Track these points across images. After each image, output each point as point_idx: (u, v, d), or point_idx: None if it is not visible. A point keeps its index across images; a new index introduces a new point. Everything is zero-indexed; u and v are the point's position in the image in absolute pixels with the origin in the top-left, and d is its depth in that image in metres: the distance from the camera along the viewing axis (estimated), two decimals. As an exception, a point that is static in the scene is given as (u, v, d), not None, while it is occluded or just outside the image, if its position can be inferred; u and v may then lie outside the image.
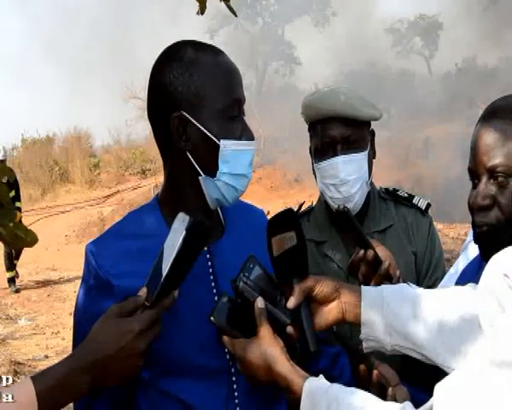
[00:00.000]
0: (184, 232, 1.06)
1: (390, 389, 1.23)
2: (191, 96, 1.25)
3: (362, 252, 1.46)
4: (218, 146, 1.23)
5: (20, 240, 1.56)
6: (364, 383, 1.27)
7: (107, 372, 1.08)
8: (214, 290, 1.27)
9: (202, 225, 1.10)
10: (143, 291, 1.10)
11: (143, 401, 1.25)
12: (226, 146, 1.24)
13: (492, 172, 1.12)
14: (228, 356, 1.26)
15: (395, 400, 1.22)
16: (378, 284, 1.43)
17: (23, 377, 5.48)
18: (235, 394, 1.26)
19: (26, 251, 8.00)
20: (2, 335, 7.03)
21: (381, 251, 1.49)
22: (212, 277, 1.28)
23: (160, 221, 1.31)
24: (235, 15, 1.91)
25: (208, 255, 1.29)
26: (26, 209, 14.02)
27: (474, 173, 1.17)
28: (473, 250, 1.82)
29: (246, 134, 1.26)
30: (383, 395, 1.23)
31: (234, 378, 1.26)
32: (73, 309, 1.34)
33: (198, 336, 1.23)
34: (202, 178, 1.26)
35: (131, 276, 1.22)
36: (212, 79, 1.25)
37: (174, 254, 1.06)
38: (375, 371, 1.24)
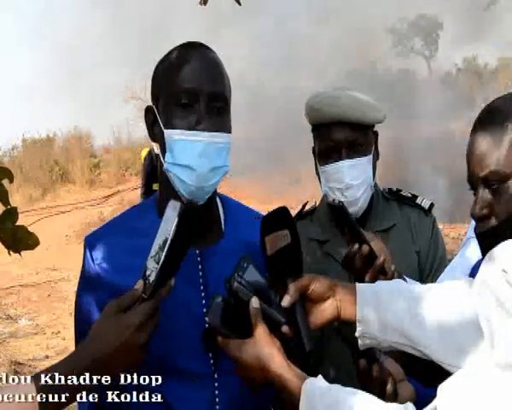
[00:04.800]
0: (177, 219, 1.06)
1: (389, 386, 1.22)
2: (156, 89, 1.31)
3: (357, 246, 1.46)
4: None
5: (22, 242, 1.55)
6: (365, 379, 1.26)
7: (110, 369, 1.08)
8: (203, 294, 1.28)
9: (194, 209, 1.11)
10: (140, 284, 1.10)
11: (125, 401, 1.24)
12: (170, 134, 1.24)
13: (486, 181, 1.13)
14: (212, 360, 1.26)
15: (396, 395, 1.22)
16: (373, 278, 1.44)
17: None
18: (217, 399, 1.27)
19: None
20: (2, 335, 7.03)
21: (376, 245, 1.49)
22: (201, 280, 1.29)
23: (155, 219, 1.31)
24: (240, 4, 1.90)
25: (199, 258, 1.30)
26: (27, 209, 14.01)
27: (472, 184, 1.18)
28: (472, 247, 1.83)
29: (201, 125, 1.23)
30: (384, 391, 1.23)
31: (216, 384, 1.26)
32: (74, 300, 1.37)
33: (184, 339, 1.23)
34: (163, 169, 1.28)
35: (122, 272, 1.25)
36: (169, 70, 1.28)
37: (168, 242, 1.07)
38: (376, 368, 1.23)
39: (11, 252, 1.57)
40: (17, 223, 1.57)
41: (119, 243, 1.30)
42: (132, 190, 15.93)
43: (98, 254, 1.29)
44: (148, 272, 1.10)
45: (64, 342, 6.54)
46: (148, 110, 1.33)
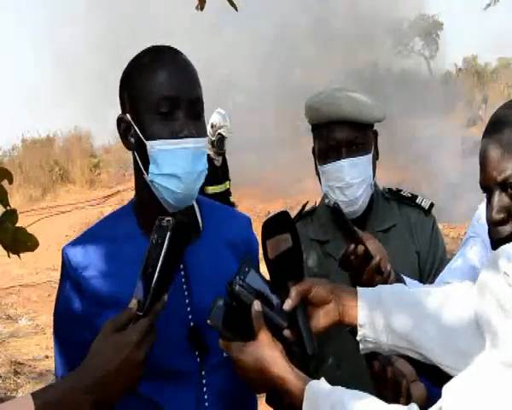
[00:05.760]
0: (169, 234, 1.06)
1: (404, 382, 1.22)
2: (128, 97, 1.28)
3: (352, 246, 1.47)
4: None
5: (21, 244, 1.55)
6: (379, 380, 1.27)
7: (110, 389, 1.08)
8: (186, 293, 1.29)
9: (185, 223, 1.12)
10: (133, 303, 1.10)
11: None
12: (153, 146, 1.23)
13: (504, 185, 1.11)
14: (198, 359, 1.27)
15: (410, 395, 1.22)
16: (369, 277, 1.45)
17: (23, 377, 5.49)
18: (205, 396, 1.28)
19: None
20: (2, 335, 7.03)
21: (373, 245, 1.50)
22: (183, 279, 1.29)
23: (133, 225, 1.32)
24: (236, 9, 1.90)
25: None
26: (27, 209, 14.00)
27: (487, 188, 1.16)
28: (472, 247, 1.83)
29: (183, 132, 1.23)
30: (398, 392, 1.23)
31: (204, 381, 1.27)
32: (53, 311, 1.35)
33: (168, 339, 1.23)
34: (146, 178, 1.27)
35: (103, 279, 1.25)
36: (143, 77, 1.25)
37: (161, 258, 1.07)
38: (390, 368, 1.24)
39: (10, 253, 1.57)
40: (17, 224, 1.57)
41: (97, 251, 1.30)
42: (132, 190, 15.92)
43: (77, 263, 1.29)
44: (140, 290, 1.10)
45: (64, 342, 6.54)
46: (120, 120, 1.30)
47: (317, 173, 1.84)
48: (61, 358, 1.33)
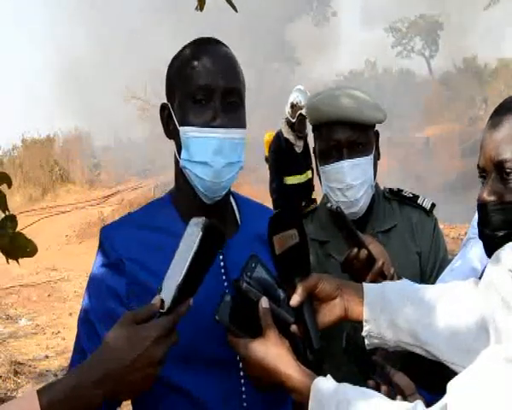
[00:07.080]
0: (201, 234, 1.05)
1: (398, 399, 1.21)
2: (170, 86, 1.32)
3: (355, 250, 1.47)
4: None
5: (20, 250, 1.55)
6: None
7: (122, 384, 1.01)
8: (225, 284, 1.30)
9: (218, 227, 1.09)
10: (157, 299, 1.07)
11: (148, 393, 1.25)
12: (185, 132, 1.26)
13: (500, 168, 1.12)
14: None
15: None
16: (373, 281, 1.44)
17: (23, 377, 5.48)
18: (243, 388, 1.28)
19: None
20: (2, 335, 7.02)
21: (375, 248, 1.50)
22: (223, 270, 1.30)
23: (174, 216, 1.34)
24: (236, 10, 1.90)
25: (219, 250, 1.31)
26: (27, 209, 14.00)
27: (483, 169, 1.16)
28: (472, 248, 1.83)
29: (216, 122, 1.24)
30: None
31: (242, 373, 1.28)
32: (85, 289, 1.33)
33: (207, 329, 1.24)
34: (180, 166, 1.29)
35: (141, 265, 1.25)
36: (183, 67, 1.29)
37: (191, 256, 1.05)
38: (384, 387, 1.22)
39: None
40: (17, 224, 1.57)
41: (135, 236, 1.30)
42: (132, 190, 15.93)
43: (117, 244, 1.29)
44: (166, 288, 1.07)
45: (64, 342, 6.53)
46: (163, 107, 1.34)
47: (318, 174, 1.84)
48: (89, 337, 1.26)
